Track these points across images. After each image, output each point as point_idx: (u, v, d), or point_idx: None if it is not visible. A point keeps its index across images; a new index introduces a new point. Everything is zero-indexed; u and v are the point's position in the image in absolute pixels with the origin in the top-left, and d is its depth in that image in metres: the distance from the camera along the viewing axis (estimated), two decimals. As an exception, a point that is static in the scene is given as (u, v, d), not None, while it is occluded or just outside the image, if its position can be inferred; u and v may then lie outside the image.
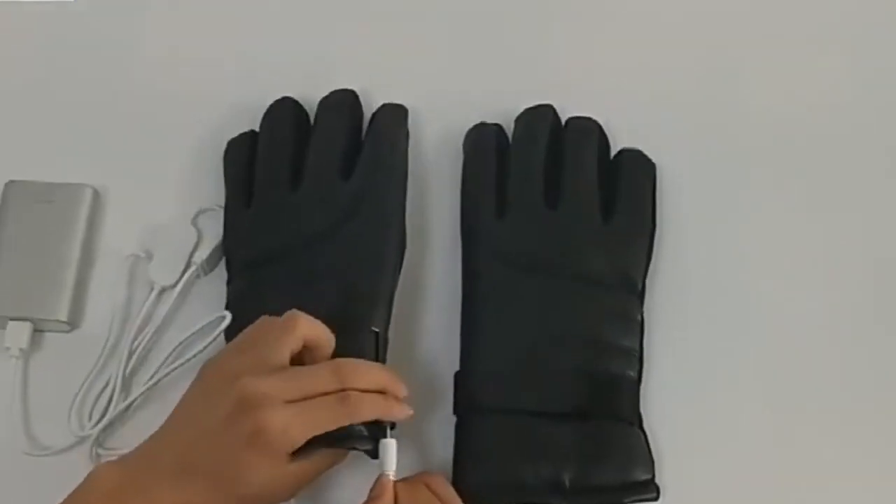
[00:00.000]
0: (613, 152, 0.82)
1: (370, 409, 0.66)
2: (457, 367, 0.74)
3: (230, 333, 0.73)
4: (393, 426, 0.69)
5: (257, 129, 0.82)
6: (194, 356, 0.73)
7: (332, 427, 0.65)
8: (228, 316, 0.73)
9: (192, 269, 0.78)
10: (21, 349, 0.75)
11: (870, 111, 0.85)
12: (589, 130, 0.82)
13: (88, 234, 0.79)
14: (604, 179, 0.80)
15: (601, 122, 0.82)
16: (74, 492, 0.63)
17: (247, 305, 0.74)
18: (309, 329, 0.67)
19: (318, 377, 0.65)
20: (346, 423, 0.65)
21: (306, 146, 0.80)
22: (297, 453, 0.64)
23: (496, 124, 0.82)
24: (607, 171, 0.81)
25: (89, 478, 0.63)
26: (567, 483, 0.70)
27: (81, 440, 0.73)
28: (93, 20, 0.89)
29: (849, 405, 0.75)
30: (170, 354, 0.75)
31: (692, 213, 0.81)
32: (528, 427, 0.71)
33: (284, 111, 0.82)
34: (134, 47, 0.88)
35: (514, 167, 0.80)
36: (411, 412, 0.68)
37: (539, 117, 0.82)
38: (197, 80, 0.87)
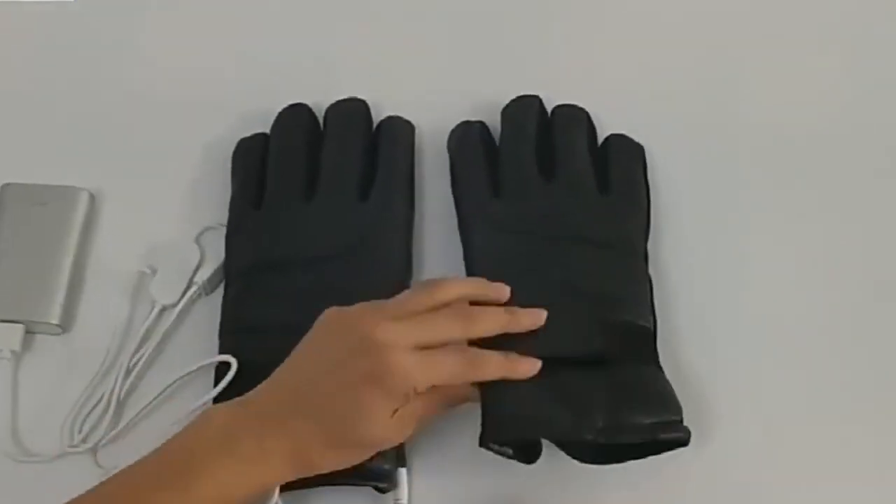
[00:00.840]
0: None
1: (495, 370, 0.66)
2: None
3: (226, 340, 0.74)
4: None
5: (266, 132, 0.82)
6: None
7: (454, 381, 0.66)
8: (234, 363, 0.71)
9: (194, 288, 0.77)
10: (13, 351, 0.75)
11: (869, 112, 0.85)
12: (577, 117, 0.82)
13: (83, 237, 0.79)
14: (595, 161, 0.79)
15: (600, 121, 0.82)
16: (186, 428, 0.64)
17: (244, 311, 0.75)
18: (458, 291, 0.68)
19: (445, 324, 0.66)
20: (469, 379, 0.66)
21: (319, 154, 0.80)
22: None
23: (479, 121, 0.82)
24: (598, 157, 0.80)
25: (202, 417, 0.64)
26: (600, 422, 0.67)
27: (68, 453, 0.73)
28: (92, 20, 0.89)
29: (847, 406, 0.75)
30: (166, 389, 0.74)
31: (690, 213, 0.81)
32: (555, 372, 0.68)
33: (298, 118, 0.82)
34: (134, 48, 0.88)
35: (505, 154, 0.80)
36: (538, 364, 0.67)
37: (526, 106, 0.82)
38: (198, 82, 0.87)
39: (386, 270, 0.76)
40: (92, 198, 0.80)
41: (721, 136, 0.84)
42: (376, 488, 0.70)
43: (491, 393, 0.68)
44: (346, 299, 0.71)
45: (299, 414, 0.63)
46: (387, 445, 0.66)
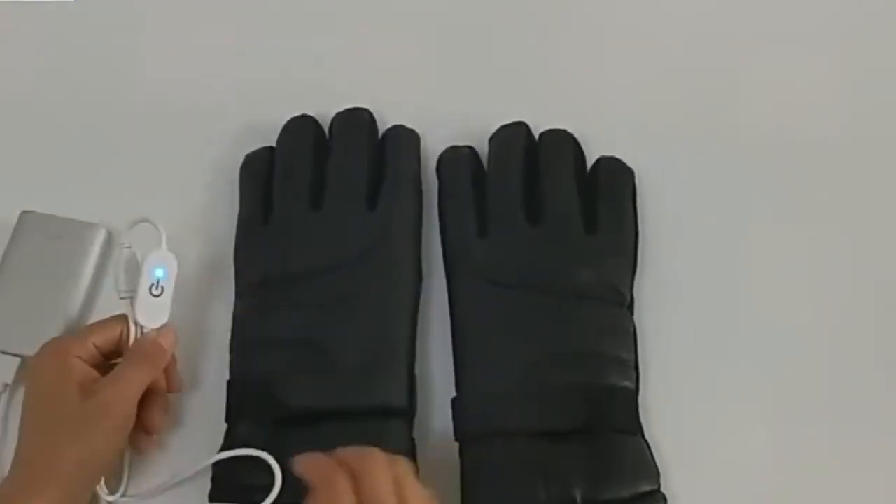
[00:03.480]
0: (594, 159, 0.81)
1: None
2: (453, 392, 0.73)
3: (238, 355, 0.74)
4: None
5: (271, 145, 0.82)
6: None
7: None
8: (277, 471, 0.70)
9: None
10: (6, 384, 0.74)
11: (868, 114, 0.85)
12: (563, 142, 0.81)
13: (95, 275, 0.78)
14: (582, 190, 0.79)
15: (596, 130, 0.81)
16: None
17: (255, 325, 0.75)
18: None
19: None
20: None
21: (325, 164, 0.79)
22: None
23: (468, 146, 0.81)
24: (586, 182, 0.80)
25: None
26: (579, 499, 0.68)
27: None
28: (92, 21, 0.89)
29: (846, 408, 0.75)
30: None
31: (686, 220, 0.81)
32: (533, 448, 0.70)
33: (303, 128, 0.82)
34: (134, 49, 0.88)
35: (493, 188, 0.79)
36: None
37: (513, 134, 0.81)
38: (198, 90, 0.86)
39: (396, 279, 0.76)
40: (109, 235, 0.79)
41: (713, 142, 0.84)
42: None
43: (470, 473, 0.70)
44: (357, 309, 0.74)
45: None
46: None
